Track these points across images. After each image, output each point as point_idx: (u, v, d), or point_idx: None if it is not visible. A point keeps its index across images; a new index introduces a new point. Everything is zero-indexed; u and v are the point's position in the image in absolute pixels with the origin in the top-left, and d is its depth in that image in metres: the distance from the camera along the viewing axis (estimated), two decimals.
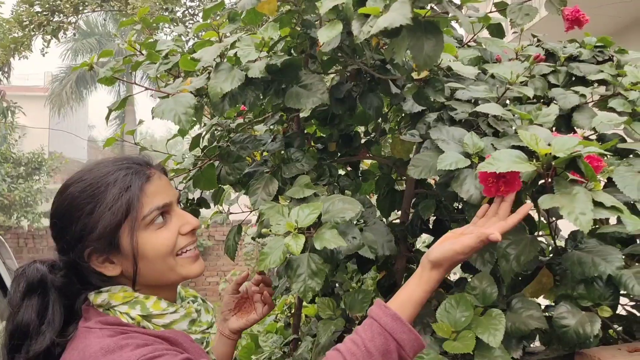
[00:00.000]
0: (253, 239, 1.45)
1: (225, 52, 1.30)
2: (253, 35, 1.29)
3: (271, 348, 2.29)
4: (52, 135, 23.34)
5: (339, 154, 1.86)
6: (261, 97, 1.35)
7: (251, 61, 1.25)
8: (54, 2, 5.70)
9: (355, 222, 1.40)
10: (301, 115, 1.70)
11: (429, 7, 1.05)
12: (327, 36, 1.09)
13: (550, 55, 1.73)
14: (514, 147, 1.24)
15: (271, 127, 1.75)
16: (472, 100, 1.51)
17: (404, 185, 2.02)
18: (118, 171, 1.11)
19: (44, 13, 5.72)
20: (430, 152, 1.36)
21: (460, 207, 1.83)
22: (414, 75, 1.33)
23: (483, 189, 1.20)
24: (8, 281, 1.69)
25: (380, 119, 1.93)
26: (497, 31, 1.77)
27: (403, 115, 2.01)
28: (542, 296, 1.46)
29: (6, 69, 14.29)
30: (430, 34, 1.03)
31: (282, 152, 1.50)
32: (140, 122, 1.69)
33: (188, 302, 1.23)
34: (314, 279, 1.18)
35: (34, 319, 1.10)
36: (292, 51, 1.45)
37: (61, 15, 5.83)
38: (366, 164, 2.30)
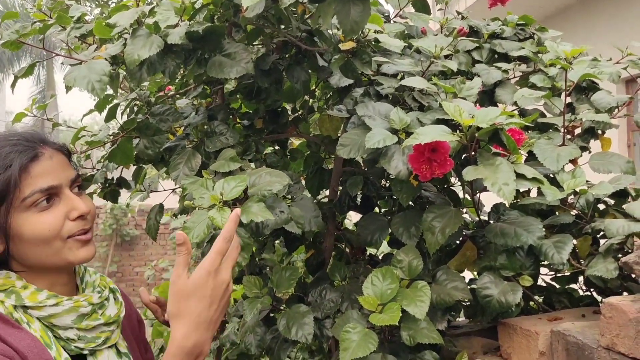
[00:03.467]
0: (175, 215, 1.38)
1: (142, 19, 1.23)
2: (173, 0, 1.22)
3: None
4: None
5: (266, 132, 1.82)
6: (182, 67, 1.28)
7: (171, 26, 1.19)
8: None
9: (282, 198, 1.37)
10: (226, 89, 1.65)
11: None
12: (251, 0, 1.05)
13: (474, 33, 1.75)
14: (438, 120, 1.25)
15: (193, 100, 1.68)
16: (398, 76, 1.51)
17: (333, 164, 2.01)
18: (3, 148, 1.04)
19: None
20: (357, 130, 1.34)
21: (387, 184, 1.84)
22: (341, 46, 1.31)
23: (413, 170, 1.20)
24: None
25: (308, 95, 1.90)
26: (422, 7, 1.78)
27: (331, 93, 1.99)
28: (466, 269, 1.49)
29: None
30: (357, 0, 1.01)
31: (205, 125, 1.44)
32: (52, 95, 1.59)
33: (93, 292, 1.14)
34: (241, 253, 1.14)
35: None
36: (215, 20, 1.40)
37: None
38: (294, 144, 2.27)
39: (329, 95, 2.06)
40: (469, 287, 1.37)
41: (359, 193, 1.77)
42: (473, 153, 1.17)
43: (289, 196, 1.46)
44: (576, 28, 6.06)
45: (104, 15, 1.64)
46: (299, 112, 1.97)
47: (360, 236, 1.62)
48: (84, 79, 1.13)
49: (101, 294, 1.15)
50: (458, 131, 1.12)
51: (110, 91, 1.37)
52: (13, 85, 1.33)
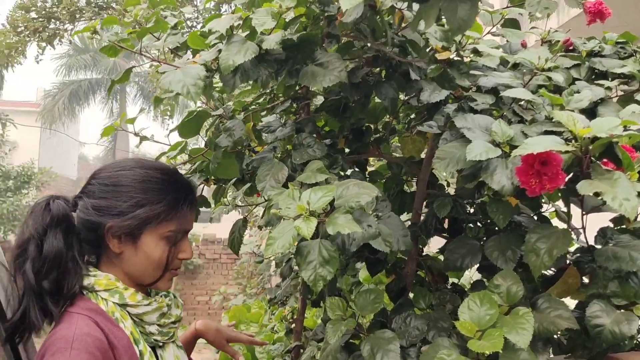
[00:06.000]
0: (260, 227, 1.36)
1: (236, 30, 1.22)
2: (267, 5, 1.20)
3: (270, 356, 2.17)
4: (42, 151, 23.15)
5: (348, 151, 1.78)
6: (274, 77, 1.26)
7: (266, 32, 1.17)
8: (50, 8, 5.64)
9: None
10: (311, 106, 1.62)
11: None
12: (350, 3, 1.01)
13: (571, 50, 1.67)
14: (546, 132, 1.17)
15: (280, 115, 1.66)
16: (492, 91, 1.44)
17: (414, 186, 1.94)
18: (183, 187, 1.27)
19: (40, 19, 5.65)
20: (456, 142, 1.28)
21: (472, 210, 1.75)
22: (438, 56, 1.25)
23: (520, 184, 1.11)
24: None
25: (390, 115, 1.85)
26: (512, 26, 1.71)
27: (414, 115, 1.94)
28: (569, 297, 1.38)
29: None
30: None
31: (293, 138, 1.41)
32: (142, 110, 1.60)
33: (161, 296, 1.31)
34: (326, 267, 1.10)
35: (63, 248, 1.18)
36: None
37: (57, 22, 5.77)
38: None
39: (410, 118, 2.00)
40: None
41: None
42: (586, 166, 1.08)
43: (376, 213, 1.40)
44: None
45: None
46: (381, 133, 1.91)
47: (449, 260, 1.54)
48: (179, 83, 1.14)
49: (169, 297, 1.33)
50: (574, 141, 1.04)
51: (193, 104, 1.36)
52: (109, 91, 1.34)
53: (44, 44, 5.83)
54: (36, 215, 1.22)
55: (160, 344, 1.27)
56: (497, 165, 1.16)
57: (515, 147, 1.11)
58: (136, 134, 1.65)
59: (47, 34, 5.66)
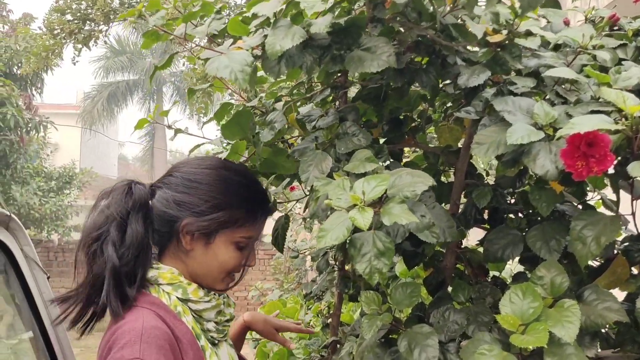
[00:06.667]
0: (304, 219, 1.36)
1: (279, 15, 1.19)
2: None
3: (307, 351, 2.15)
4: (83, 152, 23.71)
5: (383, 141, 1.74)
6: (317, 63, 1.23)
7: (315, 15, 1.14)
8: (84, 10, 5.77)
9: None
10: (348, 97, 1.58)
11: None
12: None
13: (616, 30, 1.59)
14: (592, 113, 1.10)
15: (318, 105, 1.63)
16: (532, 74, 1.39)
17: (452, 176, 1.89)
18: (261, 195, 1.30)
19: (75, 21, 5.78)
20: (495, 127, 1.22)
21: (512, 200, 1.69)
22: (490, 39, 1.20)
23: (564, 168, 1.05)
24: (26, 269, 1.60)
25: (427, 103, 1.80)
26: (553, 6, 1.65)
27: (451, 103, 1.88)
28: (617, 288, 1.31)
29: (39, 85, 14.53)
30: None
31: (336, 127, 1.38)
32: (176, 102, 1.59)
33: (215, 294, 1.30)
34: (381, 259, 1.06)
35: (144, 234, 1.19)
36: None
37: (92, 23, 5.89)
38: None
39: (446, 107, 1.95)
40: None
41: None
42: (638, 147, 1.01)
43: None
44: None
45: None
46: (417, 122, 1.87)
47: (489, 251, 1.48)
48: (226, 68, 1.12)
49: (222, 295, 1.33)
50: (624, 119, 0.98)
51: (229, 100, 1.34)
52: (151, 78, 1.35)
53: (79, 46, 5.96)
54: (117, 198, 1.21)
55: (216, 341, 1.28)
56: (540, 149, 1.10)
57: (559, 129, 1.06)
58: (169, 127, 1.64)
59: (83, 35, 5.78)
